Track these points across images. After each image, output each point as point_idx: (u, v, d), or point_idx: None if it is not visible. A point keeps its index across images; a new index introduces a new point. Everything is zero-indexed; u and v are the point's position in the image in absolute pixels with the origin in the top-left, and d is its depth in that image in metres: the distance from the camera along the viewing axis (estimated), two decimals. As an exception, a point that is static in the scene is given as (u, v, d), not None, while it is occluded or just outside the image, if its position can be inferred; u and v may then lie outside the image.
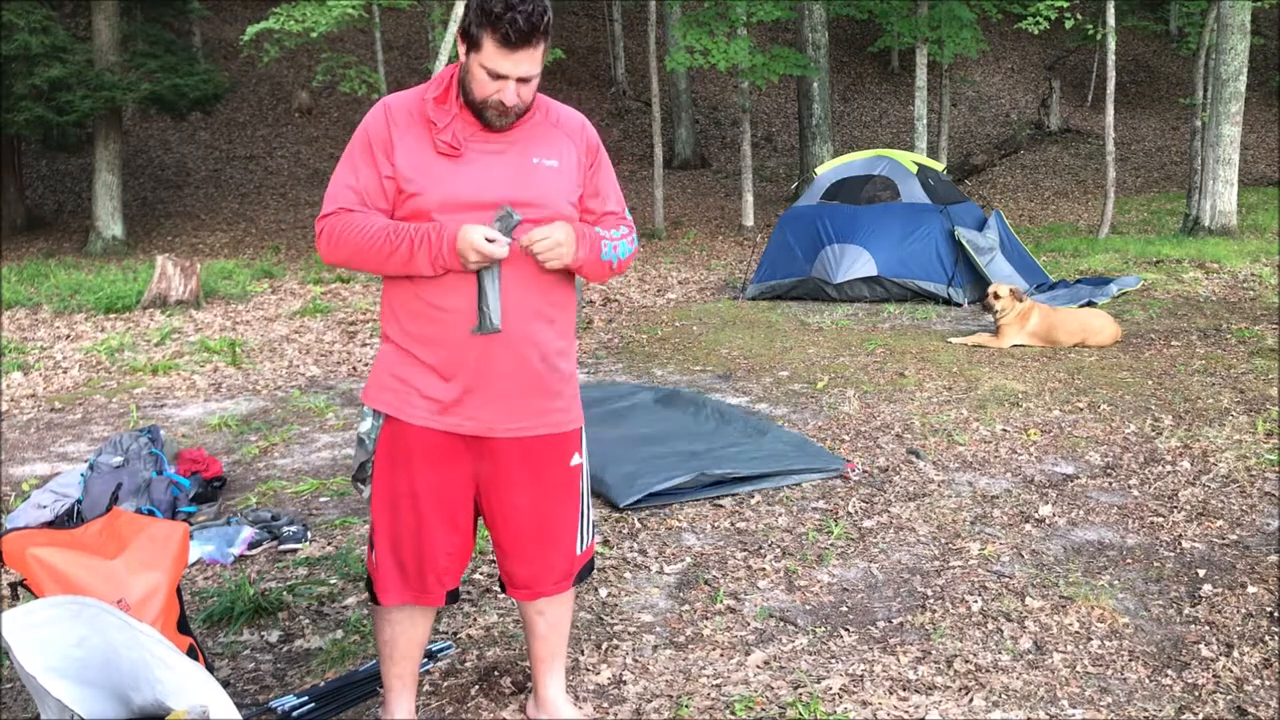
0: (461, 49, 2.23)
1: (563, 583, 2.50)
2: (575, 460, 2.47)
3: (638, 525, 4.01)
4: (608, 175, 2.47)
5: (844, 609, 3.28)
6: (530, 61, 2.19)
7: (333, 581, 3.55)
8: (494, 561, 3.66)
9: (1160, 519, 3.95)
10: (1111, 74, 13.69)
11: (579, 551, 2.51)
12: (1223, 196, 12.63)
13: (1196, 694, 2.72)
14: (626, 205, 2.55)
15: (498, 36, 2.14)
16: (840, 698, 2.73)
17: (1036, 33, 13.78)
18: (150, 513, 3.95)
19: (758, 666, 2.91)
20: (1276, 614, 3.14)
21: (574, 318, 2.46)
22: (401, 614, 2.46)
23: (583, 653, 3.00)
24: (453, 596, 2.47)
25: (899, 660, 2.93)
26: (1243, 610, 3.17)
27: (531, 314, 2.29)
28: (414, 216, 2.25)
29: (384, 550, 2.40)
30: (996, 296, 7.22)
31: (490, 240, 2.17)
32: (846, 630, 3.12)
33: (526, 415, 2.33)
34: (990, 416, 5.38)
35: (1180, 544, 3.70)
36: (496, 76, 2.19)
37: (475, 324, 2.24)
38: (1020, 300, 7.15)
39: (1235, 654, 2.91)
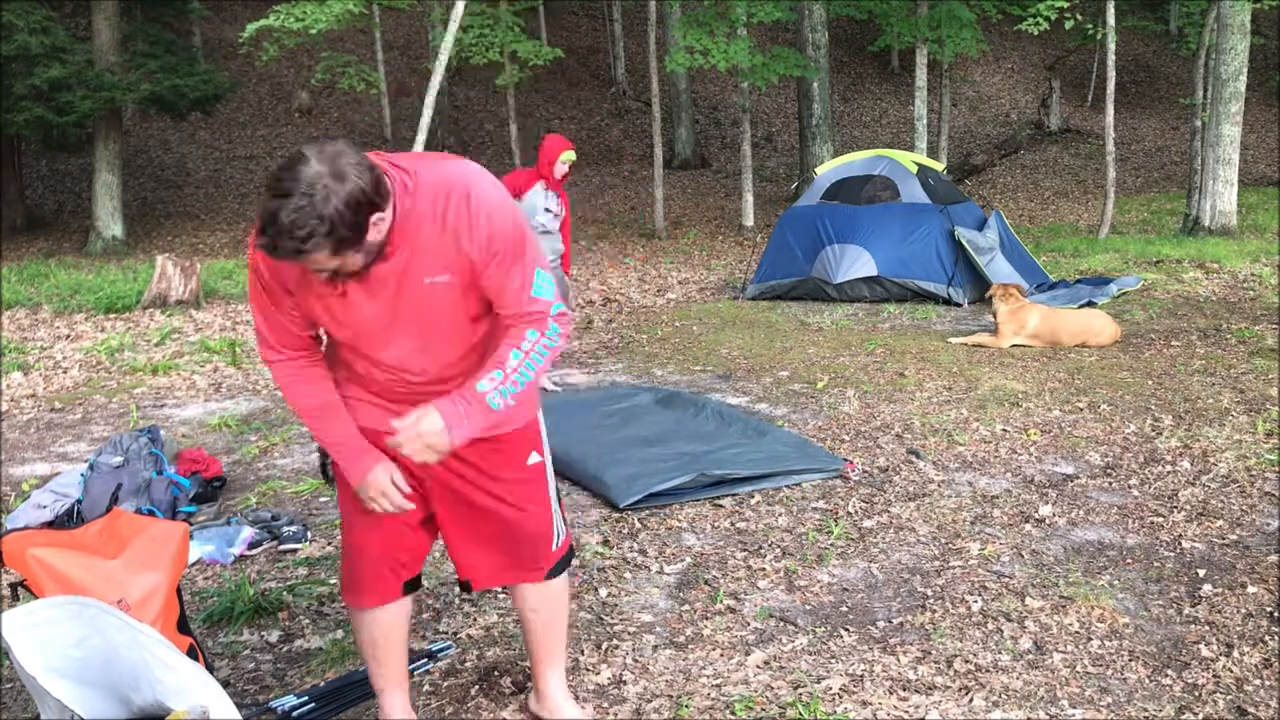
0: None
1: (531, 573, 2.47)
2: (533, 459, 2.42)
3: (638, 525, 4.01)
4: (503, 261, 2.13)
5: (844, 609, 3.28)
6: (316, 265, 1.98)
7: (333, 581, 3.55)
8: (494, 561, 3.66)
9: (1160, 519, 3.95)
10: (1111, 74, 13.68)
11: (554, 548, 2.48)
12: (1223, 196, 12.63)
13: (1196, 694, 2.72)
14: (548, 277, 2.19)
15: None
16: (840, 698, 2.73)
17: (1036, 33, 13.78)
18: (150, 513, 3.95)
19: (758, 666, 2.91)
20: (1276, 614, 3.14)
21: (498, 338, 2.25)
22: (374, 615, 2.47)
23: (583, 653, 3.00)
24: (412, 585, 2.50)
25: (899, 660, 2.93)
26: (1243, 610, 3.17)
27: (449, 372, 2.25)
28: (337, 344, 2.28)
29: (346, 555, 2.45)
30: (993, 298, 7.31)
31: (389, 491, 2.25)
32: (846, 630, 3.12)
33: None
34: (990, 416, 5.38)
35: (1180, 544, 3.70)
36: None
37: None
38: (1002, 297, 7.17)
39: (1235, 654, 2.91)
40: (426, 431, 2.10)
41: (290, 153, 1.97)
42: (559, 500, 2.52)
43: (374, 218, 1.98)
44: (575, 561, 3.56)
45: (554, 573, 2.50)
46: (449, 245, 2.10)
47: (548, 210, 6.53)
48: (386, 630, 2.49)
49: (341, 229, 1.92)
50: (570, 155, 6.54)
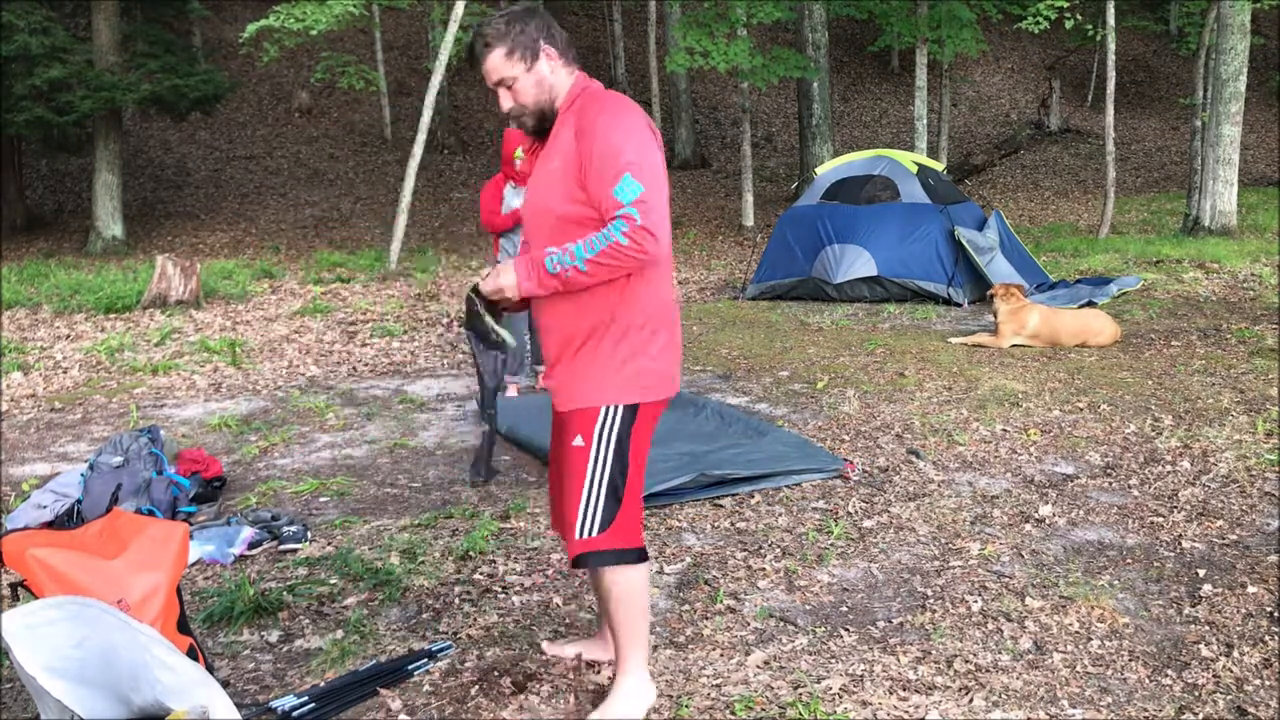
0: None
1: (568, 544, 2.55)
2: (576, 441, 2.48)
3: (638, 525, 4.01)
4: (598, 168, 2.33)
5: (844, 609, 3.28)
6: (493, 70, 2.44)
7: (333, 581, 3.55)
8: (494, 561, 3.66)
9: (1160, 519, 3.95)
10: (1111, 74, 13.69)
11: (577, 536, 2.51)
12: (1223, 196, 12.64)
13: (1196, 694, 2.72)
14: (637, 186, 2.31)
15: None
16: (840, 698, 2.73)
17: (1037, 33, 13.79)
18: (150, 513, 3.96)
19: (758, 666, 2.91)
20: (1276, 614, 3.14)
21: (605, 296, 2.44)
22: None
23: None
24: None
25: (899, 660, 2.93)
26: (1243, 610, 3.17)
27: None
28: None
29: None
30: (994, 297, 7.31)
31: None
32: (846, 630, 3.12)
33: (553, 375, 2.56)
34: (990, 416, 5.38)
35: (1180, 544, 3.70)
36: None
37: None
38: (1003, 297, 7.18)
39: (1235, 654, 2.91)
40: (504, 283, 2.44)
41: None
42: (607, 497, 2.48)
43: (545, 46, 2.43)
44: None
45: (580, 562, 2.52)
46: (564, 135, 2.43)
47: None
48: None
49: (517, 33, 2.41)
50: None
